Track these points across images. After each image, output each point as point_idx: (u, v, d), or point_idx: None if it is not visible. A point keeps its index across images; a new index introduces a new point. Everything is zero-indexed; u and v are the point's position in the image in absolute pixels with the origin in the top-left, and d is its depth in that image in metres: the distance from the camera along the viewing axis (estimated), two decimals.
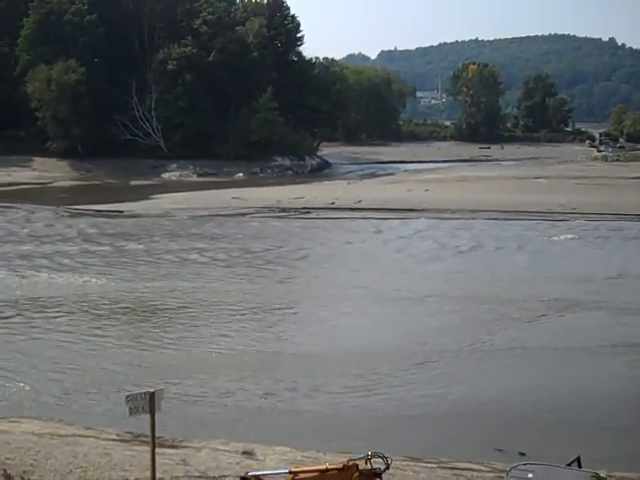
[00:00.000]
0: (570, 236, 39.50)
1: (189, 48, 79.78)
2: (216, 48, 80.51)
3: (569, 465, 10.37)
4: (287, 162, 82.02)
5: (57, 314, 24.23)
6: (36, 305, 25.22)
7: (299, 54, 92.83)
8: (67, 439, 13.92)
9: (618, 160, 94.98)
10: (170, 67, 79.12)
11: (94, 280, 28.62)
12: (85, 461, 12.69)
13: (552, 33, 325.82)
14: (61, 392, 17.67)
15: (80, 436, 14.19)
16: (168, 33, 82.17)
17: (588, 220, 44.19)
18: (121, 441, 14.02)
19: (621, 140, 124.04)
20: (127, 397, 11.48)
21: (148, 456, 11.37)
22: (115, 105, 76.76)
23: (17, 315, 24.17)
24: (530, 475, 9.80)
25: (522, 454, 14.23)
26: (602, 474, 9.53)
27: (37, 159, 75.69)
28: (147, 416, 11.56)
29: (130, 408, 11.40)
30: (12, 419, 15.24)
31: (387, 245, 37.86)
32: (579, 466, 10.43)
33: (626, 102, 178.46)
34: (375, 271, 31.23)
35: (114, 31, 79.54)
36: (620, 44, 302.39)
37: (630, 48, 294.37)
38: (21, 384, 17.89)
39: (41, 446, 13.32)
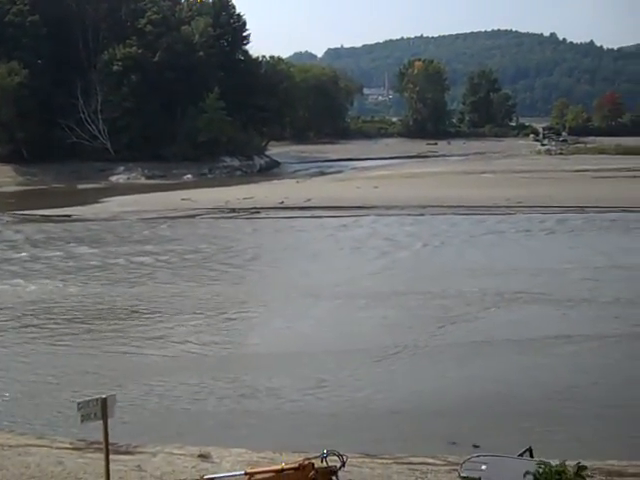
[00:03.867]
0: (516, 229, 40.16)
1: (134, 48, 78.95)
2: (161, 48, 79.83)
3: (521, 455, 10.63)
4: (236, 162, 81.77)
5: (4, 321, 23.84)
6: None
7: (245, 53, 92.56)
8: (19, 449, 13.75)
9: (561, 154, 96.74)
10: (115, 68, 78.21)
11: (43, 286, 28.23)
12: (38, 471, 12.57)
13: (495, 29, 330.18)
14: (8, 401, 17.41)
15: (32, 446, 14.02)
16: (113, 33, 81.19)
17: (534, 213, 44.97)
18: (74, 449, 13.90)
19: (564, 134, 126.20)
20: (79, 404, 11.38)
21: (102, 463, 11.30)
22: (60, 108, 75.57)
23: None
24: (483, 467, 10.02)
25: (476, 446, 14.48)
26: (553, 463, 9.76)
27: None
28: (100, 423, 11.49)
29: (82, 415, 11.30)
30: None
31: (337, 243, 38.01)
32: (531, 456, 10.68)
33: (568, 96, 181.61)
34: (326, 270, 31.37)
35: (57, 32, 78.32)
36: (561, 39, 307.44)
37: (571, 43, 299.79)
38: None
39: None
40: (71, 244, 37.41)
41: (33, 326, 23.46)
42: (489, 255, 33.99)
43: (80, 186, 67.17)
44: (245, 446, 14.09)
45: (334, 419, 16.48)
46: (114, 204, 52.93)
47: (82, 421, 11.43)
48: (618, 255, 33.27)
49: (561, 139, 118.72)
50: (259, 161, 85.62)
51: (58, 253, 35.04)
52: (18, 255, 34.58)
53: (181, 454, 13.57)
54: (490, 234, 39.10)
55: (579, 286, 27.55)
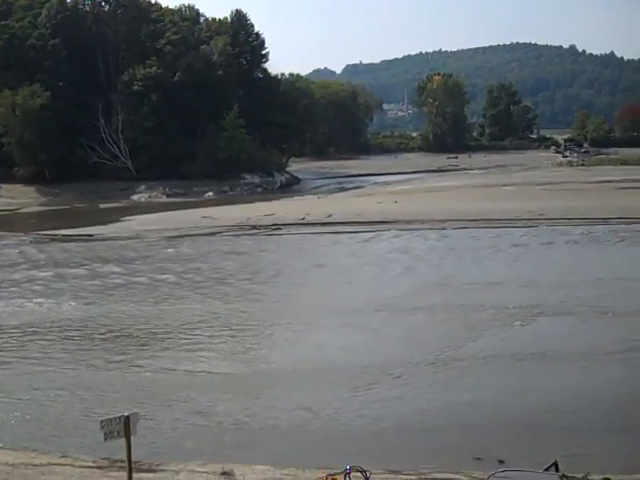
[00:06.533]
0: (540, 241, 39.86)
1: (154, 68, 79.69)
2: (181, 68, 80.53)
3: (547, 470, 10.46)
4: (256, 179, 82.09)
5: (29, 340, 23.95)
6: (7, 332, 24.89)
7: (265, 71, 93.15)
8: (42, 468, 13.74)
9: (583, 165, 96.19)
10: (135, 88, 78.95)
11: (67, 305, 28.34)
12: None
13: (514, 42, 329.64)
14: (34, 420, 17.43)
15: (55, 465, 14.00)
16: (132, 54, 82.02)
17: (557, 226, 44.65)
18: (97, 467, 13.86)
19: (585, 145, 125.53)
20: (102, 422, 11.36)
21: None
22: (81, 128, 76.34)
23: None
24: None
25: (501, 462, 14.29)
26: (578, 476, 9.61)
27: (4, 186, 75.00)
28: (123, 441, 11.47)
29: (105, 433, 11.28)
30: None
31: (359, 258, 37.91)
32: (557, 470, 10.52)
33: (588, 107, 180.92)
34: (349, 287, 31.26)
35: (78, 54, 79.29)
36: (581, 50, 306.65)
37: (590, 54, 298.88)
38: None
39: (15, 477, 13.14)
40: (94, 263, 37.56)
41: (54, 344, 23.53)
42: (514, 268, 33.67)
43: (102, 205, 67.63)
44: (268, 463, 14.00)
45: (359, 433, 16.34)
46: (135, 223, 53.18)
47: (105, 439, 11.41)
48: None
49: (583, 150, 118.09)
50: (279, 178, 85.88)
51: (82, 272, 35.20)
52: (43, 274, 34.76)
53: (204, 472, 13.49)
54: (513, 247, 38.82)
55: (609, 299, 27.16)
